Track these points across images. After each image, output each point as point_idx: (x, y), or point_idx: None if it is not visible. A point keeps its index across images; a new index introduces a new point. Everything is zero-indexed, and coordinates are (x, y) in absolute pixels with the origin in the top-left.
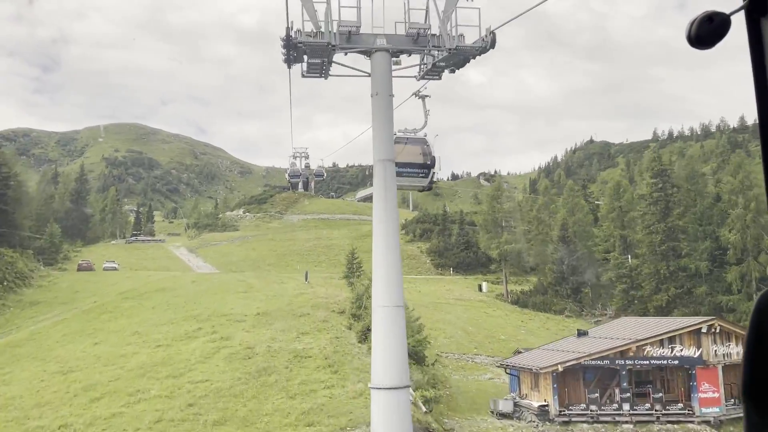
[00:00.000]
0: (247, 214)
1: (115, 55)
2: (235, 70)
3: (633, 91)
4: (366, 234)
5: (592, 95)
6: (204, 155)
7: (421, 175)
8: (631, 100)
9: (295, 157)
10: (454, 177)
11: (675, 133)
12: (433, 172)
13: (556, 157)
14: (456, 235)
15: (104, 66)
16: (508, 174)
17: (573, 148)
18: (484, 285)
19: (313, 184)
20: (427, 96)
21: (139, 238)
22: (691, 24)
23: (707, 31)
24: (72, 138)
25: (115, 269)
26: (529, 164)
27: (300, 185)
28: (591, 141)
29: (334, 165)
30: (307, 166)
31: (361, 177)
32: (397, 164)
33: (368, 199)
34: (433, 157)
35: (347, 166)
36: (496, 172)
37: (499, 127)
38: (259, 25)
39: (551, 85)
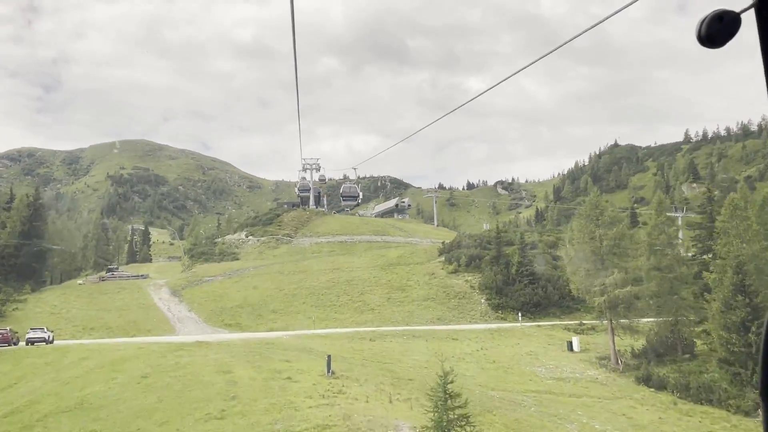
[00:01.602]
0: (250, 237)
1: (115, 73)
2: (235, 85)
3: (636, 95)
4: (393, 262)
5: (594, 100)
6: (212, 170)
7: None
8: (635, 104)
9: (305, 170)
10: (470, 186)
11: (710, 134)
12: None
13: (577, 163)
14: (517, 264)
15: (106, 84)
16: (526, 182)
17: (598, 153)
18: (576, 341)
19: (325, 200)
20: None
21: (116, 273)
22: (701, 23)
23: (717, 30)
24: (77, 156)
25: (43, 342)
26: (536, 171)
27: (311, 200)
28: (616, 145)
29: (345, 177)
30: (322, 179)
31: (372, 189)
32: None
33: (387, 213)
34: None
35: (358, 177)
36: (513, 180)
37: (502, 135)
38: (255, 39)
39: (552, 90)
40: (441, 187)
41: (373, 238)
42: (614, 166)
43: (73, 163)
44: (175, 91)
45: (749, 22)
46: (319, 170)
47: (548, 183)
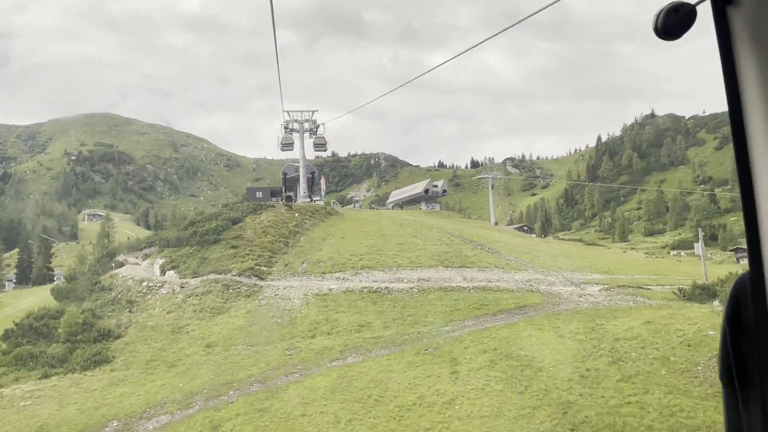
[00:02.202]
0: (172, 281)
1: (63, 48)
2: (191, 61)
3: (601, 71)
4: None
5: (559, 76)
6: (185, 147)
7: (323, 148)
8: (601, 80)
9: (289, 131)
10: (474, 164)
11: None
12: (326, 146)
13: (600, 138)
14: None
15: (56, 60)
16: (538, 159)
17: (633, 125)
18: None
19: (324, 183)
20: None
21: None
22: (657, 15)
23: (673, 22)
24: (35, 132)
25: None
26: (537, 148)
27: (301, 185)
28: (652, 115)
29: (334, 154)
30: (320, 144)
31: (365, 167)
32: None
33: (410, 202)
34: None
35: (349, 155)
36: (524, 157)
37: (471, 112)
38: (202, 11)
39: (517, 67)
40: (442, 165)
41: (447, 282)
42: (665, 139)
43: (30, 139)
44: (128, 66)
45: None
46: (315, 131)
47: (564, 160)
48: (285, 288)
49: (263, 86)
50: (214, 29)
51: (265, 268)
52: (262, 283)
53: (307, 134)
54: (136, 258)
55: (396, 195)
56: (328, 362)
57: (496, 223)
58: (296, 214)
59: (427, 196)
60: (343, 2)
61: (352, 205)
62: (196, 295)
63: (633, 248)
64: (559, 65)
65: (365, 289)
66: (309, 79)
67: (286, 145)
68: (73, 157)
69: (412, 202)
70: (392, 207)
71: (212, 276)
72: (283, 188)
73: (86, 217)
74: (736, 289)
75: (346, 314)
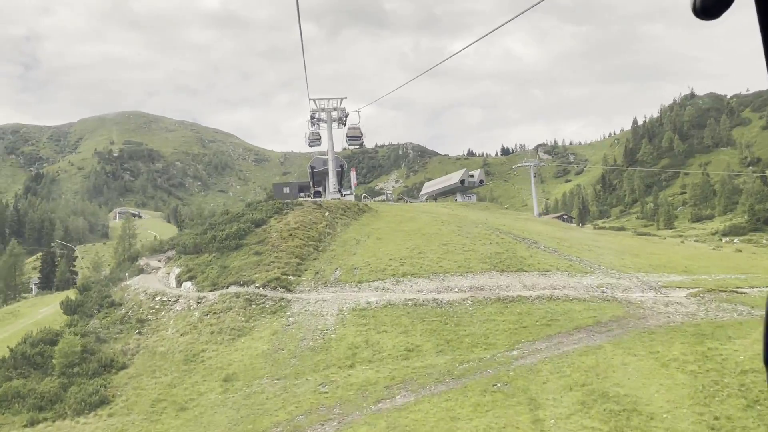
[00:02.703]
0: (188, 295)
1: (90, 48)
2: (213, 57)
3: (628, 53)
4: None
5: (585, 59)
6: (213, 143)
7: (358, 140)
8: (628, 62)
9: (316, 121)
10: (505, 152)
11: None
12: (362, 141)
13: (636, 120)
14: None
15: (83, 61)
16: (571, 144)
17: (671, 106)
18: None
19: (354, 175)
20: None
21: None
22: None
23: (713, 1)
24: (66, 132)
25: None
26: (564, 133)
27: (330, 180)
28: (692, 95)
29: (361, 145)
30: (355, 137)
31: (393, 158)
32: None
33: (444, 194)
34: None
35: (376, 146)
36: (556, 143)
37: (495, 99)
38: (222, 6)
39: (541, 52)
40: (471, 153)
41: (505, 291)
42: (708, 120)
43: (61, 139)
44: (153, 65)
45: None
46: (345, 120)
47: (599, 145)
48: (316, 302)
49: (286, 80)
50: (235, 25)
51: (293, 278)
52: (289, 295)
53: (335, 124)
54: (159, 261)
55: (429, 186)
56: (373, 403)
57: (540, 214)
58: (326, 213)
59: (463, 187)
60: None
61: (383, 197)
62: (215, 313)
63: (681, 235)
64: (584, 48)
65: (410, 302)
66: (331, 71)
67: (314, 141)
68: (103, 157)
69: (447, 193)
70: (426, 199)
71: (233, 288)
72: (311, 183)
73: (117, 215)
74: None
75: (389, 334)
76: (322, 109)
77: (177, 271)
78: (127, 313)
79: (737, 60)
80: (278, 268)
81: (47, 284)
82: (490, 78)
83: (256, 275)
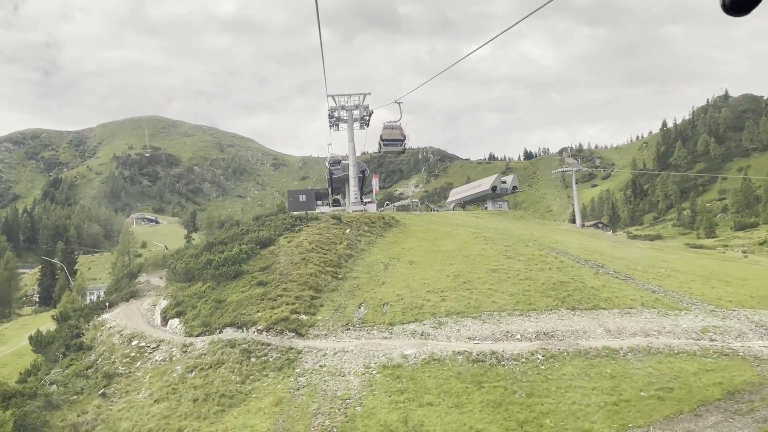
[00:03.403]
0: (173, 340)
1: (109, 54)
2: (230, 62)
3: (647, 55)
4: None
5: (603, 62)
6: (231, 147)
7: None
8: (648, 64)
9: (336, 121)
10: (528, 156)
11: None
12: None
13: (665, 123)
14: None
15: (102, 66)
16: (596, 147)
17: (705, 107)
18: None
19: (376, 182)
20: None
21: None
22: None
23: None
24: (85, 137)
25: None
26: (550, 139)
27: (351, 187)
28: (726, 96)
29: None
30: (393, 141)
31: (413, 162)
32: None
33: (473, 201)
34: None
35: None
36: (581, 146)
37: (513, 103)
38: (238, 12)
39: (557, 54)
40: (493, 157)
41: (585, 339)
42: (746, 122)
43: (81, 144)
44: (171, 70)
45: None
46: (368, 119)
47: (626, 148)
48: (335, 353)
49: (302, 84)
50: (250, 30)
51: (305, 317)
52: (300, 343)
53: (356, 124)
54: (161, 279)
55: (457, 193)
56: None
57: (584, 225)
58: (347, 230)
59: (494, 194)
60: None
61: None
62: (202, 369)
63: (726, 245)
64: (601, 50)
65: (460, 356)
66: (347, 75)
67: (335, 164)
68: (122, 161)
69: (476, 200)
70: (453, 207)
71: (228, 333)
72: (330, 190)
73: (135, 220)
74: None
75: (436, 409)
76: (342, 107)
77: (164, 303)
78: (96, 360)
79: (763, 61)
80: (287, 305)
81: (47, 299)
82: (507, 81)
83: (259, 314)
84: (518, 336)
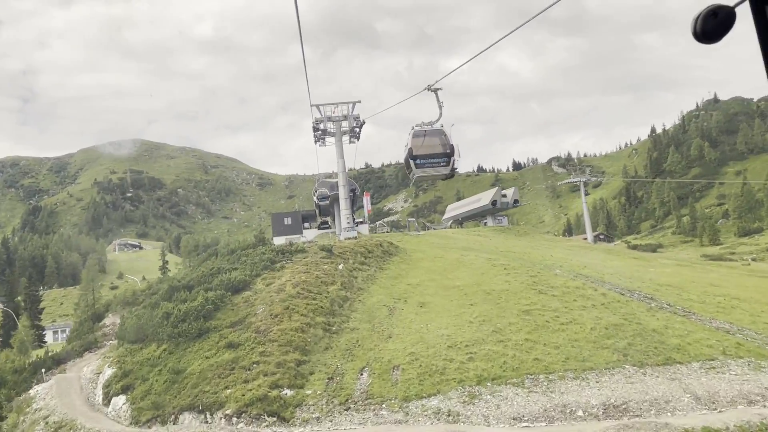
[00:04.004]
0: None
1: (86, 79)
2: (210, 83)
3: (625, 63)
4: None
5: (581, 71)
6: (216, 168)
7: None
8: (626, 72)
9: (322, 135)
10: (516, 167)
11: None
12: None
13: (654, 129)
14: None
15: (81, 92)
16: (585, 156)
17: (695, 111)
18: None
19: (367, 201)
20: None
21: None
22: (696, 19)
23: (713, 26)
24: (66, 163)
25: None
26: (532, 149)
27: (342, 209)
28: (716, 100)
29: (367, 165)
30: (353, 134)
31: (401, 177)
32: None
33: (471, 217)
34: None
35: (383, 165)
36: (569, 155)
37: (494, 114)
38: (216, 32)
39: (535, 65)
40: (481, 169)
41: (669, 415)
42: (739, 125)
43: (62, 170)
44: (151, 93)
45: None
46: (359, 131)
47: (614, 155)
48: None
49: (284, 103)
50: (229, 50)
51: (289, 392)
52: None
53: (346, 138)
54: None
55: (454, 209)
56: None
57: (596, 239)
58: (340, 265)
59: (495, 209)
60: (354, 14)
61: (396, 217)
62: None
63: (733, 252)
64: (579, 61)
65: None
66: (326, 93)
67: (323, 198)
68: (103, 187)
69: (475, 216)
70: (450, 224)
71: (186, 420)
72: (317, 212)
73: (117, 247)
74: None
75: None
76: (329, 118)
77: (108, 373)
78: None
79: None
80: (265, 376)
81: (7, 343)
82: (487, 93)
83: (228, 391)
84: (580, 412)
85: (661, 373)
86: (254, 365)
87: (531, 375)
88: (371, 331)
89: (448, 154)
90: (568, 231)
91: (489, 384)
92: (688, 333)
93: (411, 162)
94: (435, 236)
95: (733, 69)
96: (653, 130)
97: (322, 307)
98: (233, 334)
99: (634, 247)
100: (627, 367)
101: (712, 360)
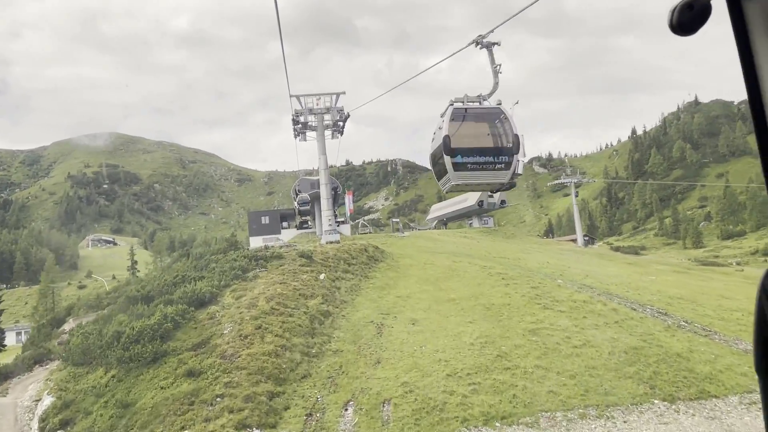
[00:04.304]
0: None
1: (60, 71)
2: (187, 77)
3: (603, 65)
4: None
5: (559, 72)
6: (194, 164)
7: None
8: (603, 74)
9: (300, 129)
10: None
11: None
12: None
13: (635, 130)
14: None
15: (54, 83)
16: (566, 156)
17: (675, 112)
18: None
19: (350, 200)
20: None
21: None
22: (672, 11)
23: (689, 18)
24: (39, 156)
25: None
26: (559, 146)
27: (324, 209)
28: (696, 102)
29: (348, 162)
30: (337, 129)
31: (382, 175)
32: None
33: (455, 218)
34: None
35: (364, 162)
36: (551, 155)
37: None
38: (193, 27)
39: (514, 66)
40: None
41: None
42: (721, 127)
43: (34, 163)
44: (127, 86)
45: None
46: (343, 125)
47: (595, 156)
48: None
49: (262, 98)
50: (206, 44)
51: None
52: None
53: (328, 132)
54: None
55: (439, 209)
56: None
57: (586, 243)
58: (322, 275)
59: (481, 210)
60: (333, 11)
61: (377, 215)
62: None
63: (717, 256)
64: (558, 62)
65: None
66: (305, 89)
67: (303, 203)
68: (77, 181)
69: (461, 217)
70: (435, 225)
71: None
72: (297, 211)
73: (90, 243)
74: (764, 284)
75: None
76: (310, 111)
77: (47, 402)
78: None
79: (711, 69)
80: (231, 413)
81: None
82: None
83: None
84: None
85: (697, 410)
86: (218, 399)
87: (546, 412)
88: (357, 354)
89: (508, 150)
90: (550, 232)
91: (498, 424)
92: (716, 358)
93: (446, 160)
94: (421, 238)
95: (711, 72)
96: (634, 131)
97: (300, 325)
98: (194, 360)
99: (617, 249)
100: (656, 402)
101: (751, 393)
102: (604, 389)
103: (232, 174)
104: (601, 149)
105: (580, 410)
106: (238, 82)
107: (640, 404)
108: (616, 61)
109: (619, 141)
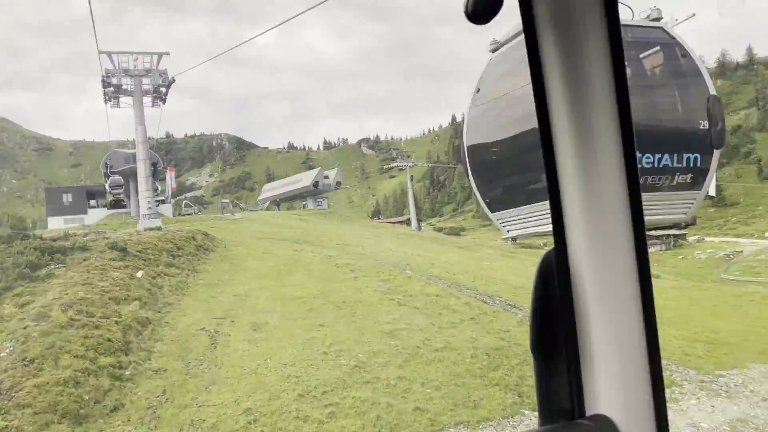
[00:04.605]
0: None
1: None
2: None
3: (424, 54)
4: None
5: (385, 57)
6: None
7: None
8: (424, 62)
9: (116, 92)
10: (328, 146)
11: None
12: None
13: (455, 117)
14: None
15: None
16: (392, 139)
17: None
18: None
19: (171, 177)
20: None
21: None
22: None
23: (483, 6)
24: None
25: None
26: (338, 130)
27: (143, 201)
28: None
29: (168, 135)
30: (158, 95)
31: (206, 150)
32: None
33: (289, 199)
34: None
35: (186, 136)
36: (378, 138)
37: (301, 91)
38: None
39: (342, 47)
40: (292, 146)
41: None
42: None
43: None
44: None
45: None
46: (166, 92)
47: (419, 140)
48: None
49: (66, 59)
50: None
51: None
52: None
53: (147, 99)
54: None
55: (272, 189)
56: None
57: (419, 226)
58: (140, 272)
59: (316, 191)
60: None
61: (200, 193)
62: None
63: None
64: (383, 47)
65: None
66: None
67: (116, 188)
68: None
69: (294, 197)
70: (267, 206)
71: None
72: (108, 189)
73: None
74: (543, 264)
75: None
76: (125, 72)
77: None
78: None
79: None
80: None
81: None
82: (294, 70)
83: None
84: None
85: None
86: None
87: None
88: (186, 374)
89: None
90: (377, 213)
91: None
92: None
93: None
94: (255, 221)
95: None
96: (454, 118)
97: (110, 339)
98: None
99: (440, 230)
100: (527, 412)
101: None
102: (473, 401)
103: (29, 142)
104: (424, 134)
105: (452, 430)
106: (36, 40)
107: (512, 416)
108: (436, 51)
109: (440, 126)
